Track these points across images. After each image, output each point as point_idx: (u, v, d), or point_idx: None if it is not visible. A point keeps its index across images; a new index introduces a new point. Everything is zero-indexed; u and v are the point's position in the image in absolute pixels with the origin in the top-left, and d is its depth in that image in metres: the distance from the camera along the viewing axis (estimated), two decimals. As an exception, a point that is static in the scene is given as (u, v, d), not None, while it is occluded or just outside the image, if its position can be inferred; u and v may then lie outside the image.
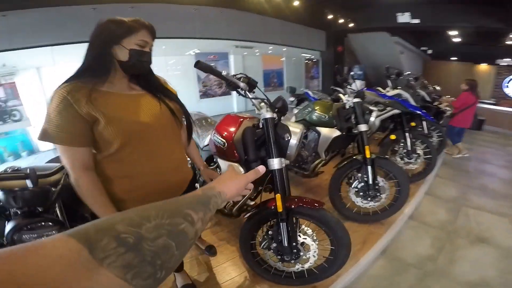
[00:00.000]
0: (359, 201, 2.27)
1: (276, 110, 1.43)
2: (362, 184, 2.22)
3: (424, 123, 3.77)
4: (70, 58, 4.79)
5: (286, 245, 1.42)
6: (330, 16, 4.96)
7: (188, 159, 1.32)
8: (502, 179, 3.52)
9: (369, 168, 2.16)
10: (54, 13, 3.24)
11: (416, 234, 2.31)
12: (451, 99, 4.82)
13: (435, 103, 4.65)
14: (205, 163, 1.40)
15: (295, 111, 3.94)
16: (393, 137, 3.12)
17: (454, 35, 5.64)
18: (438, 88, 5.07)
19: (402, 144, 3.08)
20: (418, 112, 3.07)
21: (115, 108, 0.91)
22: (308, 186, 3.04)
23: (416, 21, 4.31)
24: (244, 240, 1.60)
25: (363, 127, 2.19)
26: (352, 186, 2.26)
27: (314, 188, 2.98)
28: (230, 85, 1.32)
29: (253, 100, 1.40)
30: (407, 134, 3.03)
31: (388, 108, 3.14)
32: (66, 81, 0.89)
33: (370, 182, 2.17)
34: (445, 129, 3.98)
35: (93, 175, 0.93)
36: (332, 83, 6.10)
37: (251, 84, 1.38)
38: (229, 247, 2.05)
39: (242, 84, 1.31)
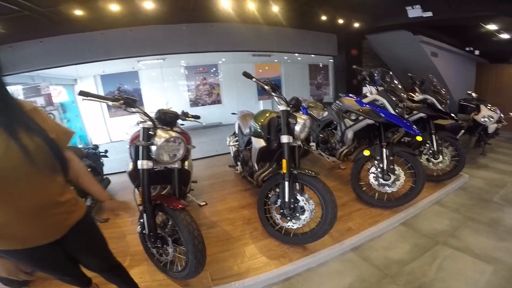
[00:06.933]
0: (278, 218, 2.09)
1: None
2: (280, 200, 2.02)
3: (434, 137, 3.14)
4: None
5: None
6: (334, 18, 4.57)
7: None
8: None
9: (286, 183, 1.96)
10: (72, 39, 4.01)
11: (341, 269, 1.92)
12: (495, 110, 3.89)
13: (471, 114, 3.93)
14: (108, 194, 1.35)
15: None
16: (367, 152, 2.66)
17: (495, 29, 4.39)
18: (474, 94, 4.10)
19: (376, 162, 2.60)
20: (395, 122, 2.54)
21: None
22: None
23: (428, 14, 3.60)
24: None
25: (284, 139, 2.01)
26: (270, 201, 2.10)
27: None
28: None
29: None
30: (384, 150, 2.57)
31: (361, 118, 2.75)
32: None
33: (286, 199, 1.97)
34: (462, 146, 3.17)
35: None
36: (345, 90, 5.57)
37: (128, 102, 1.55)
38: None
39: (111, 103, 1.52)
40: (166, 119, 1.84)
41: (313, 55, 6.10)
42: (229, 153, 3.81)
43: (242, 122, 3.06)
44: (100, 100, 1.47)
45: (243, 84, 7.40)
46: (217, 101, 7.31)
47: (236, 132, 3.36)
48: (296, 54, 6.40)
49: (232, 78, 7.44)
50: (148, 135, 1.65)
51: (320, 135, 3.43)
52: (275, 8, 4.02)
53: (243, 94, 7.67)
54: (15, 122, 0.89)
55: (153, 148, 1.61)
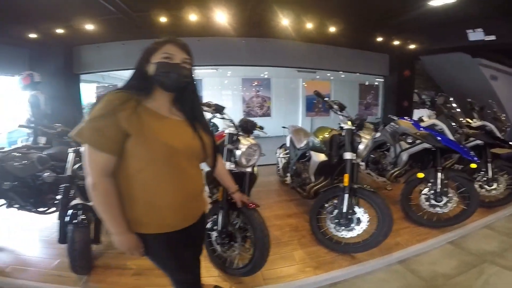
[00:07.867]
0: (332, 227, 2.25)
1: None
2: (337, 211, 2.20)
3: (490, 166, 3.09)
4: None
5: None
6: (391, 38, 4.64)
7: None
8: None
9: (346, 196, 2.14)
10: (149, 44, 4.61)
11: (387, 278, 2.03)
12: None
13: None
14: (237, 186, 1.56)
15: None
16: (420, 175, 2.71)
17: None
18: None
19: (430, 184, 2.64)
20: (453, 148, 2.59)
21: (151, 128, 0.93)
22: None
23: (491, 37, 3.53)
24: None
25: (347, 155, 2.19)
26: (326, 211, 2.28)
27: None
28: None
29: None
30: (439, 174, 2.59)
31: (418, 141, 2.84)
32: (120, 89, 0.97)
33: (344, 210, 2.15)
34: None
35: (111, 184, 0.93)
36: (394, 111, 5.46)
37: (218, 108, 1.91)
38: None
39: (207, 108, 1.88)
40: (247, 127, 2.13)
41: (358, 74, 6.20)
42: (273, 164, 4.04)
43: (295, 136, 3.26)
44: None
45: (291, 99, 7.78)
46: (267, 114, 7.75)
47: (287, 145, 3.56)
48: (341, 72, 6.54)
49: (281, 92, 7.80)
50: (232, 140, 1.92)
51: (371, 155, 3.52)
52: (332, 29, 4.23)
53: (290, 109, 7.99)
54: (197, 120, 1.11)
55: (237, 152, 1.88)
